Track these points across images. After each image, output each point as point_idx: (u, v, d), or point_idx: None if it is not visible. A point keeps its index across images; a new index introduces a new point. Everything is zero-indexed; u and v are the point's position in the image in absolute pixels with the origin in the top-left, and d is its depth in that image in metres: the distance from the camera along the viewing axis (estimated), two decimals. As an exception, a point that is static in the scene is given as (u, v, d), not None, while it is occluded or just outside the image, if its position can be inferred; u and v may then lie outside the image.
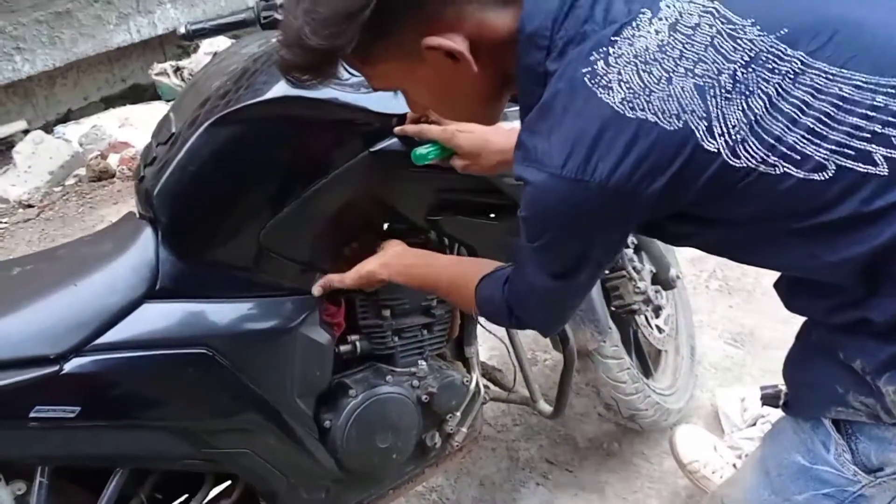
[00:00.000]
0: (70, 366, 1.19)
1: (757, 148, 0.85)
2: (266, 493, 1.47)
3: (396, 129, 1.28)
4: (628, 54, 0.87)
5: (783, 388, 2.13)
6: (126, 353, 1.24)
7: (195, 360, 1.28)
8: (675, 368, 2.27)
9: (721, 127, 0.85)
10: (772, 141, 0.85)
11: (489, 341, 2.51)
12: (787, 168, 0.85)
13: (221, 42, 4.40)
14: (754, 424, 2.11)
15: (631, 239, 2.03)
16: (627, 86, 0.86)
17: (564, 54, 0.92)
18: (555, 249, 1.01)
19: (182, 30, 1.59)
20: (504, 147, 1.25)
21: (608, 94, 0.86)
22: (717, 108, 0.85)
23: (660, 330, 2.16)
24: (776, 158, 0.85)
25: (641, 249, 2.05)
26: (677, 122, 0.85)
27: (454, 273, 1.31)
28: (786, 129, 0.84)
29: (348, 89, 1.26)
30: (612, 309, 1.97)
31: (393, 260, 1.35)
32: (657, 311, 2.15)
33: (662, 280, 2.05)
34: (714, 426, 2.22)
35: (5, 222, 3.80)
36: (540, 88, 0.95)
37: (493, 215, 1.47)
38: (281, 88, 1.24)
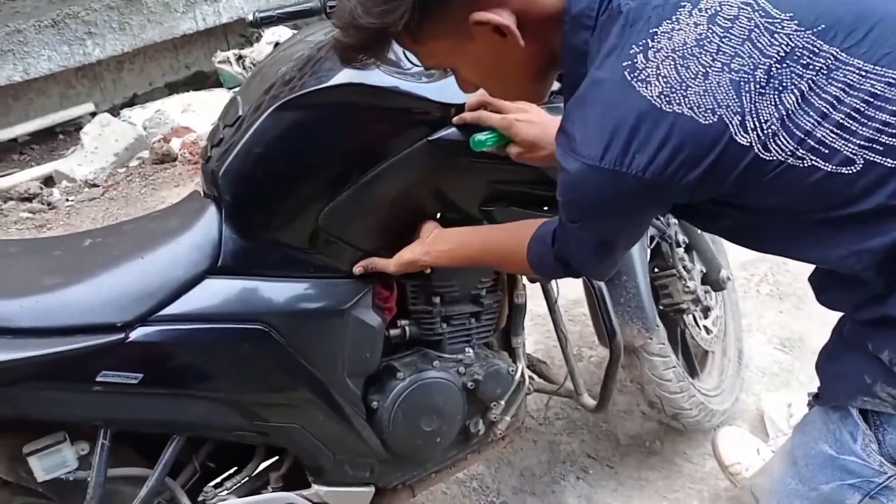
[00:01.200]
0: (135, 334, 1.25)
1: (787, 142, 0.87)
2: (312, 468, 1.51)
3: (455, 117, 1.31)
4: (667, 48, 0.89)
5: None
6: (187, 325, 1.29)
7: (252, 336, 1.33)
8: (722, 370, 2.26)
9: (754, 121, 0.87)
10: (801, 135, 0.87)
11: (535, 334, 2.54)
12: (815, 161, 0.88)
13: (283, 32, 4.49)
14: (800, 430, 2.09)
15: (682, 238, 2.03)
16: (665, 80, 0.88)
17: (605, 34, 0.94)
18: (591, 231, 1.07)
19: (250, 17, 1.64)
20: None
21: (646, 88, 0.89)
22: (750, 102, 0.87)
23: (708, 331, 2.16)
24: (805, 152, 0.87)
25: (693, 249, 2.05)
26: (712, 116, 0.87)
27: (498, 245, 1.35)
28: (816, 124, 0.87)
29: (409, 78, 1.29)
30: (661, 307, 1.97)
31: (434, 246, 1.38)
32: (706, 311, 2.14)
33: (712, 281, 2.05)
34: (759, 430, 2.21)
35: (72, 200, 3.93)
36: (584, 67, 0.97)
37: (546, 208, 1.49)
38: (344, 76, 1.27)
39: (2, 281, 1.27)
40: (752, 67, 0.87)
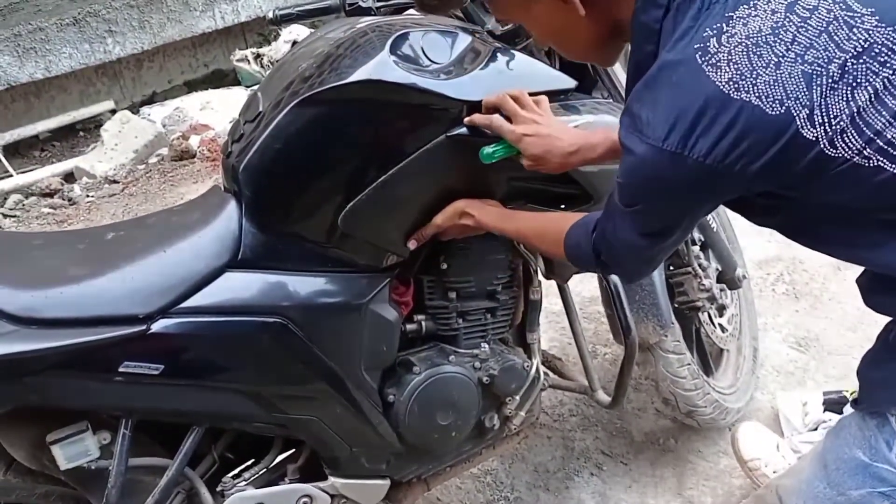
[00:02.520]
0: (156, 326, 1.26)
1: (855, 140, 0.86)
2: (329, 460, 1.53)
3: (466, 118, 1.33)
4: (741, 34, 0.88)
5: (846, 394, 2.11)
6: (207, 317, 1.31)
7: (271, 329, 1.34)
8: (737, 368, 2.26)
9: (822, 116, 0.86)
10: (871, 134, 0.85)
11: (550, 331, 2.55)
12: (882, 162, 0.86)
13: (301, 31, 4.52)
14: (815, 429, 2.09)
15: (698, 236, 2.03)
16: (736, 66, 0.87)
17: (680, 16, 0.93)
18: (646, 215, 1.05)
19: (270, 15, 1.67)
20: (568, 149, 1.29)
21: (716, 73, 0.88)
22: (821, 96, 0.85)
23: (723, 329, 2.16)
24: (872, 151, 0.86)
25: (708, 247, 2.05)
26: (780, 107, 0.86)
27: (541, 220, 1.36)
28: (887, 124, 0.85)
29: (427, 75, 1.30)
30: (676, 305, 1.98)
31: (481, 203, 1.39)
32: (721, 309, 2.14)
33: (728, 279, 2.05)
34: (774, 429, 2.20)
35: (92, 196, 3.98)
36: (652, 46, 0.97)
37: (563, 206, 1.50)
38: (362, 73, 1.29)
39: (28, 273, 1.29)
40: (826, 61, 0.86)
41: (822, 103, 0.86)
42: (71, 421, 1.30)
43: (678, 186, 0.96)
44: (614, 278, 1.71)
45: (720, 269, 2.06)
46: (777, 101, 0.86)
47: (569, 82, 1.44)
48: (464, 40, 1.37)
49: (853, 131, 0.86)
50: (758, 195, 0.97)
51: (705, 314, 2.10)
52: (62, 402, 1.27)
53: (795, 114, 0.86)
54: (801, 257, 2.85)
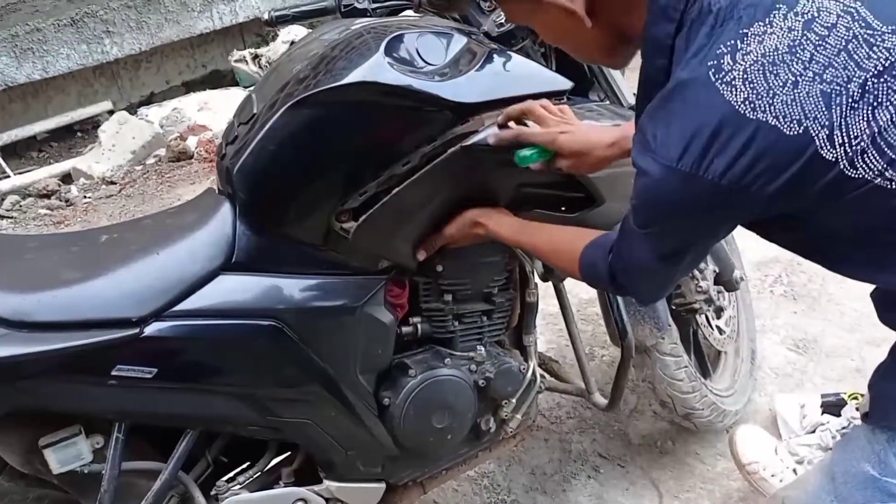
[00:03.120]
0: (150, 329, 1.26)
1: (876, 160, 0.84)
2: (324, 463, 1.52)
3: (492, 140, 1.30)
4: (756, 52, 0.85)
5: (845, 397, 2.10)
6: (201, 320, 1.30)
7: (265, 332, 1.34)
8: (734, 370, 2.25)
9: (842, 136, 0.83)
10: (893, 155, 0.83)
11: (547, 333, 2.54)
12: None
13: (299, 31, 4.52)
14: (813, 432, 2.08)
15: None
16: (752, 85, 0.85)
17: (693, 34, 0.91)
18: (662, 237, 1.03)
19: (266, 16, 1.67)
20: (606, 143, 1.28)
21: (730, 92, 0.85)
22: (840, 116, 0.83)
23: (720, 331, 2.15)
24: (894, 172, 0.84)
25: (705, 249, 2.05)
26: (798, 127, 0.84)
27: (557, 235, 1.34)
28: None
29: (423, 77, 1.30)
30: (673, 307, 1.97)
31: (494, 212, 1.38)
32: (719, 311, 2.13)
33: (725, 281, 2.04)
34: (771, 431, 2.20)
35: (89, 197, 3.97)
36: (664, 60, 0.95)
37: (563, 208, 1.49)
38: (357, 74, 1.28)
39: (21, 276, 1.29)
40: (845, 80, 0.83)
41: (842, 123, 0.83)
42: (64, 425, 1.30)
43: (693, 208, 0.93)
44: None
45: (717, 270, 2.05)
46: (795, 121, 0.84)
47: (565, 84, 1.43)
48: (459, 42, 1.37)
49: (874, 152, 0.83)
50: (773, 220, 0.95)
51: (703, 316, 2.09)
52: (55, 405, 1.26)
53: (814, 134, 0.84)
54: (799, 259, 2.82)
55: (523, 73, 1.40)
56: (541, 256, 1.42)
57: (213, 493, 1.46)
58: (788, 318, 2.63)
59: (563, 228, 1.39)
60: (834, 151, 0.84)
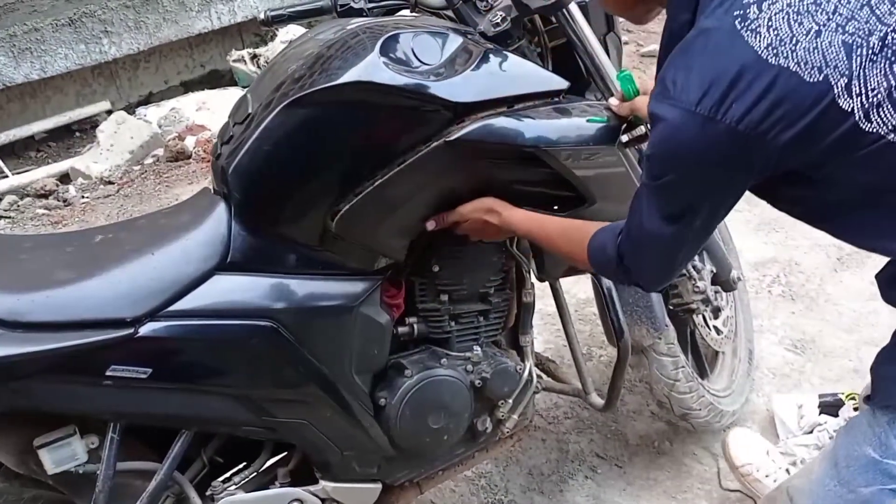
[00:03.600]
0: (144, 329, 1.25)
1: (891, 115, 0.86)
2: (320, 464, 1.52)
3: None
4: (782, 2, 0.88)
5: (842, 397, 2.11)
6: (196, 320, 1.30)
7: (260, 332, 1.33)
8: (732, 371, 2.25)
9: (860, 87, 0.86)
10: None
11: (544, 333, 2.54)
12: None
13: (297, 31, 4.52)
14: (811, 432, 2.08)
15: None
16: (775, 32, 0.87)
17: None
18: (674, 190, 1.02)
19: (262, 16, 1.66)
20: None
21: (754, 38, 0.88)
22: (860, 67, 0.86)
23: (718, 331, 2.15)
24: None
25: (703, 249, 2.05)
26: (818, 74, 0.86)
27: (568, 224, 1.36)
28: None
29: (418, 76, 1.29)
30: (670, 307, 1.97)
31: (507, 204, 1.39)
32: (716, 312, 2.13)
33: (723, 281, 2.04)
34: (769, 431, 2.20)
35: (87, 197, 3.97)
36: (688, 14, 0.97)
37: (556, 206, 1.49)
38: (353, 74, 1.28)
39: (15, 276, 1.28)
40: (867, 33, 0.86)
41: (861, 74, 0.86)
42: (58, 425, 1.29)
43: (708, 156, 0.94)
44: (607, 281, 1.70)
45: (715, 271, 2.05)
46: (816, 69, 0.86)
47: (561, 83, 1.43)
48: (455, 41, 1.37)
49: (890, 105, 0.86)
50: (783, 179, 0.96)
51: (700, 316, 2.09)
52: (49, 406, 1.25)
53: (833, 82, 0.86)
54: (798, 259, 2.84)
55: (519, 72, 1.40)
56: (551, 245, 1.41)
57: (208, 493, 1.46)
58: (786, 318, 2.63)
59: (574, 220, 1.40)
60: (851, 101, 0.86)
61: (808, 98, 0.87)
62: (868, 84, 0.86)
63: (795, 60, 0.86)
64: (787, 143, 0.89)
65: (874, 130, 0.87)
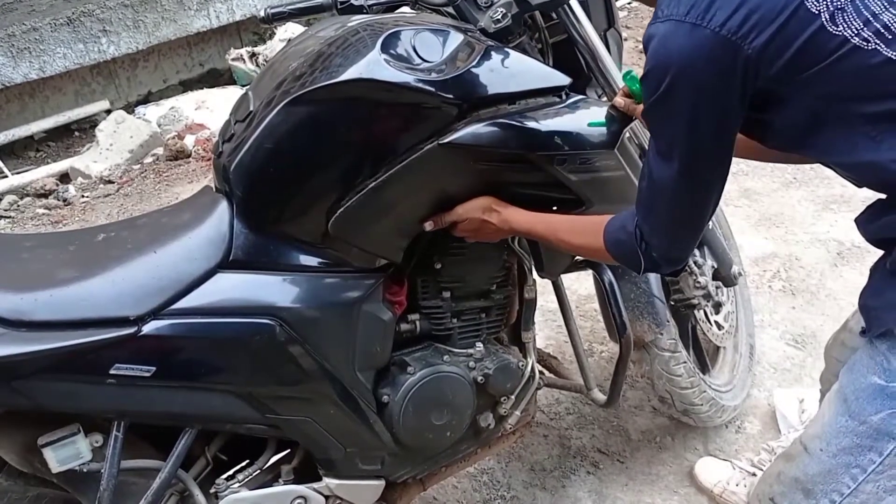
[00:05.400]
0: (148, 328, 1.26)
1: (853, 18, 0.96)
2: (323, 461, 1.52)
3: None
4: None
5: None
6: (199, 318, 1.30)
7: (263, 330, 1.34)
8: (733, 366, 2.26)
9: None
10: (868, 16, 0.96)
11: (546, 330, 2.54)
12: (878, 45, 0.95)
13: (296, 29, 4.52)
14: (812, 427, 2.09)
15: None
16: None
17: None
18: (671, 105, 1.08)
19: (262, 13, 1.66)
20: None
21: None
22: None
23: (719, 326, 2.16)
24: (870, 34, 0.95)
25: (704, 245, 2.05)
26: None
27: (573, 218, 1.40)
28: (884, 8, 0.96)
29: (419, 74, 1.29)
30: (672, 302, 1.97)
31: (508, 207, 1.39)
32: (717, 307, 2.14)
33: (724, 276, 2.04)
34: (770, 426, 2.21)
35: (87, 196, 3.97)
36: None
37: (555, 208, 1.49)
38: (354, 71, 1.28)
39: (18, 275, 1.29)
40: None
41: None
42: (63, 423, 1.30)
43: (697, 56, 1.02)
44: (609, 276, 1.70)
45: (716, 266, 2.05)
46: None
47: (562, 80, 1.43)
48: (456, 39, 1.36)
49: (852, 10, 0.96)
50: (763, 107, 1.05)
51: (701, 312, 2.10)
52: (53, 405, 1.26)
53: None
54: (798, 254, 2.85)
55: (520, 69, 1.40)
56: (558, 241, 1.41)
57: (212, 490, 1.46)
58: (787, 313, 2.64)
59: (579, 215, 1.43)
60: (818, 5, 0.97)
61: (780, 2, 0.98)
62: None
63: None
64: (763, 47, 0.98)
65: (840, 34, 0.96)
